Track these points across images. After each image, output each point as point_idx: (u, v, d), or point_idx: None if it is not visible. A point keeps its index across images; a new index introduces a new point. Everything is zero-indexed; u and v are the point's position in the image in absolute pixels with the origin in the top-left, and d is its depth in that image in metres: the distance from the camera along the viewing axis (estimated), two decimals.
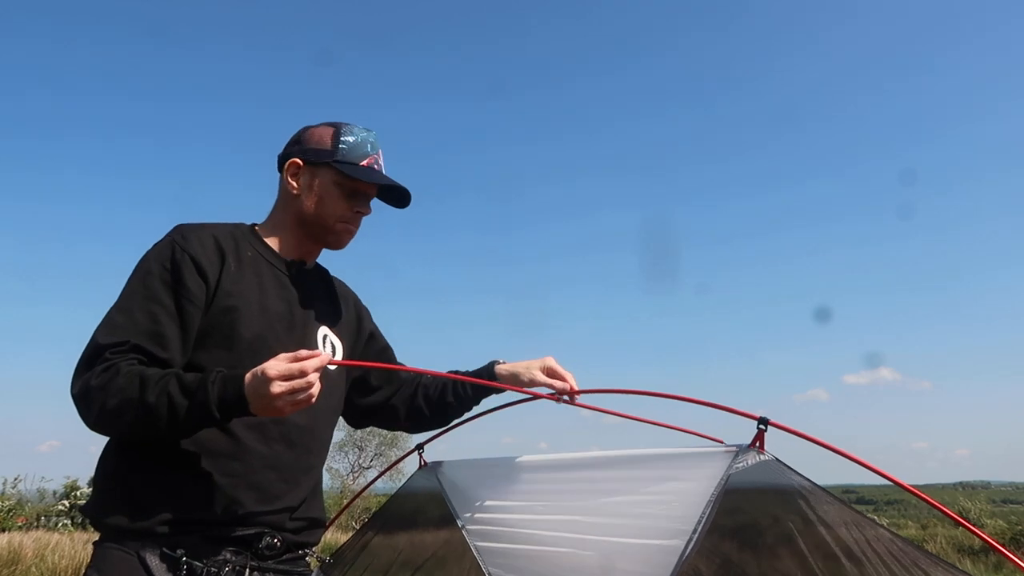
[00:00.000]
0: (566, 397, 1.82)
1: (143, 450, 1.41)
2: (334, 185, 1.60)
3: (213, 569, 1.37)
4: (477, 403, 1.91)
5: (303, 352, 1.31)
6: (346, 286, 1.85)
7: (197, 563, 1.36)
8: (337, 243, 1.67)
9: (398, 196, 1.69)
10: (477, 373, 1.88)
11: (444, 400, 1.86)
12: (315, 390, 1.31)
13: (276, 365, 1.28)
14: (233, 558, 1.41)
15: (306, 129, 1.65)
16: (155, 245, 1.51)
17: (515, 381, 1.83)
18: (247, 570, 1.42)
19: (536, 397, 1.84)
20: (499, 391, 1.87)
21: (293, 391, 1.27)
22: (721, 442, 1.84)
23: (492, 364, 1.87)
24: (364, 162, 1.62)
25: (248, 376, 1.30)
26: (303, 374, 1.28)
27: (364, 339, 1.83)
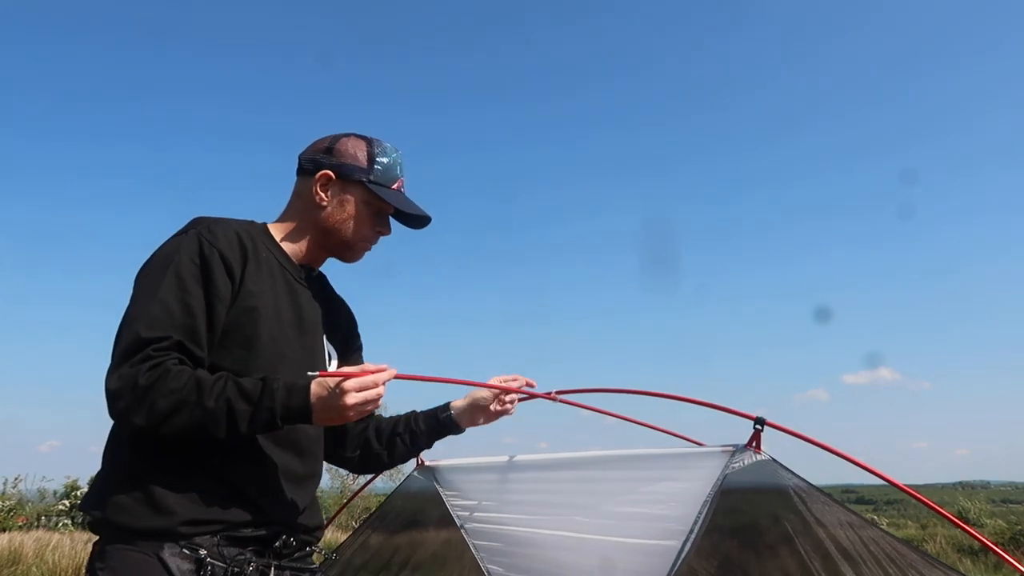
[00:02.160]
0: (562, 396, 1.82)
1: (159, 449, 1.38)
2: (364, 204, 1.60)
3: (236, 569, 1.36)
4: (429, 444, 1.85)
5: (370, 366, 1.38)
6: (342, 297, 1.82)
7: (219, 563, 1.35)
8: (353, 258, 1.67)
9: (416, 219, 1.67)
10: (432, 412, 1.83)
11: (394, 433, 1.80)
12: (381, 401, 1.38)
13: (353, 380, 1.34)
14: (255, 558, 1.41)
15: (337, 139, 1.63)
16: (179, 237, 1.46)
17: (473, 413, 1.80)
18: (271, 569, 1.42)
19: (532, 396, 1.85)
20: (460, 430, 1.82)
21: (366, 402, 1.35)
22: (703, 445, 1.86)
23: (447, 404, 1.83)
24: (394, 185, 1.62)
25: (315, 387, 1.34)
26: (375, 385, 1.35)
27: (353, 349, 1.79)
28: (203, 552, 1.34)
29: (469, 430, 1.86)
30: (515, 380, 1.81)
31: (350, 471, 1.99)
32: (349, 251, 1.65)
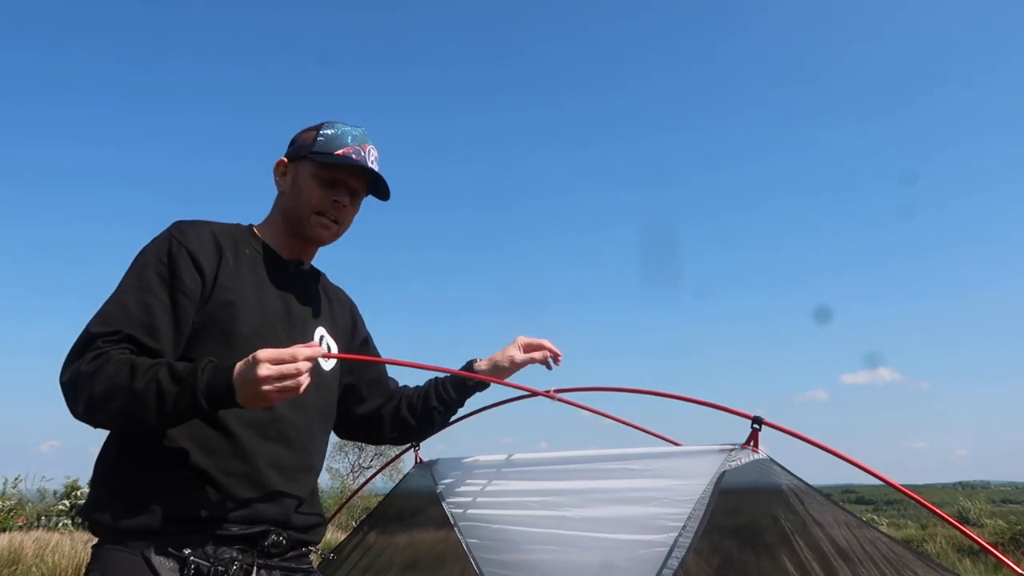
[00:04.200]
0: (560, 395, 1.83)
1: (143, 449, 1.40)
2: (312, 177, 1.62)
3: (220, 568, 1.37)
4: (462, 404, 1.92)
5: (299, 344, 1.33)
6: (343, 292, 1.85)
7: (204, 562, 1.36)
8: (316, 236, 1.64)
9: (380, 186, 1.66)
10: (459, 379, 1.89)
11: (428, 406, 1.87)
12: (304, 379, 1.29)
13: (267, 350, 1.27)
14: (239, 556, 1.40)
15: (299, 132, 1.69)
16: (153, 240, 1.51)
17: (497, 370, 1.88)
18: (254, 568, 1.42)
19: (533, 394, 1.84)
20: (485, 386, 1.89)
21: (282, 376, 1.25)
22: (680, 445, 1.87)
23: (470, 363, 1.90)
24: (340, 151, 1.61)
25: (239, 364, 1.29)
26: (293, 360, 1.27)
27: (358, 344, 1.83)
28: (187, 551, 1.35)
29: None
30: (542, 344, 1.90)
31: (392, 444, 2.08)
32: (307, 227, 1.63)
